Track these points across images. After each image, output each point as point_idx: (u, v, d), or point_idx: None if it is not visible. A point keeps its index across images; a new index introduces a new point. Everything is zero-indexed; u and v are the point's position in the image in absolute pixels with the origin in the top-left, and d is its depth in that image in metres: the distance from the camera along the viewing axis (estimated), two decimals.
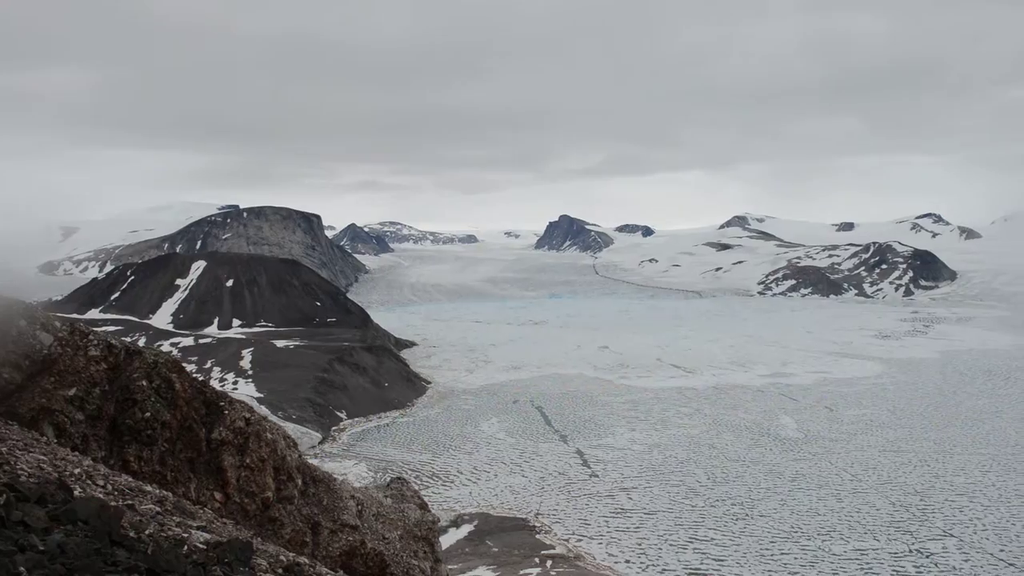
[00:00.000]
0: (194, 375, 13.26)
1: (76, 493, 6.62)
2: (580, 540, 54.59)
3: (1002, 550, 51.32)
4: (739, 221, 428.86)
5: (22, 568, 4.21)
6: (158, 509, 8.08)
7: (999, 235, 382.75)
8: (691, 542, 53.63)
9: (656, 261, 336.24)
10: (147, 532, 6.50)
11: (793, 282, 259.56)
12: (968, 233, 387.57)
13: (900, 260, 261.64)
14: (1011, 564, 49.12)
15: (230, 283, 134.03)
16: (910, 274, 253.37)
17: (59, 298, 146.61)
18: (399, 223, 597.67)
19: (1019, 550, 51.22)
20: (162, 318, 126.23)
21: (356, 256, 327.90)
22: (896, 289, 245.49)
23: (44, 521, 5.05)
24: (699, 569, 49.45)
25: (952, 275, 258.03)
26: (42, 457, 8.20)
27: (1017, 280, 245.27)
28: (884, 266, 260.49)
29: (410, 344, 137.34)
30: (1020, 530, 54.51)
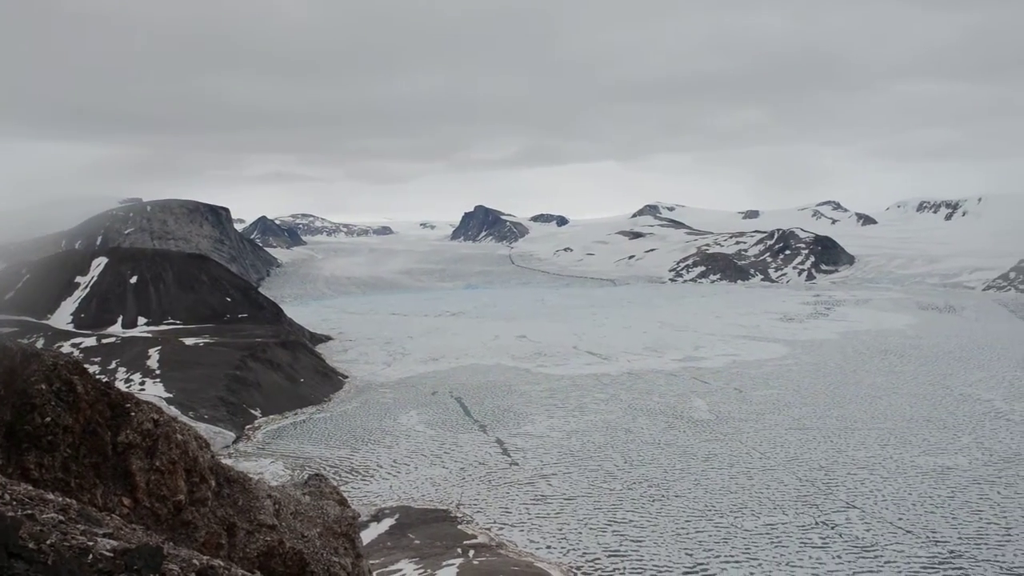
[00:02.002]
0: (98, 376, 12.71)
1: None
2: (502, 528, 54.98)
3: (900, 519, 54.24)
4: (651, 210, 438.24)
5: None
6: (61, 518, 7.72)
7: (893, 221, 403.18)
8: (610, 525, 54.70)
9: (571, 250, 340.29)
10: (48, 542, 6.20)
11: (703, 268, 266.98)
12: (865, 219, 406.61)
13: (802, 246, 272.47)
14: (908, 531, 51.97)
15: (134, 280, 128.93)
16: (812, 259, 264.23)
17: None
18: (311, 215, 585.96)
19: (915, 518, 54.24)
20: (61, 318, 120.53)
21: (267, 250, 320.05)
22: (799, 274, 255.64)
23: None
24: (618, 551, 50.50)
25: (851, 260, 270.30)
26: None
27: (910, 263, 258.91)
28: (788, 252, 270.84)
29: (326, 338, 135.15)
30: (916, 499, 57.71)
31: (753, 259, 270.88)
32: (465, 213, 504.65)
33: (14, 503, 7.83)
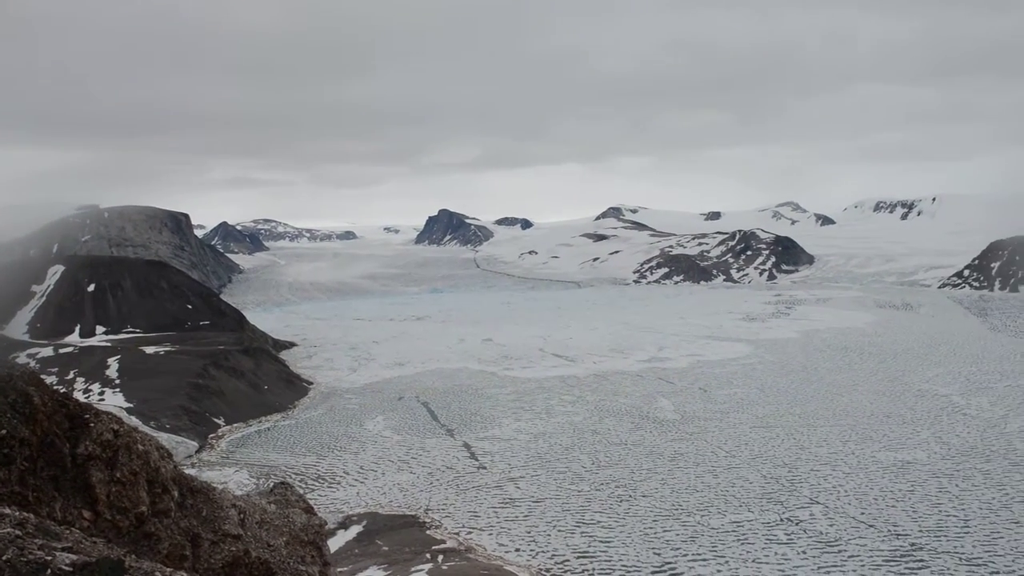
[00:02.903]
0: (55, 387, 12.41)
1: None
2: (470, 533, 54.81)
3: (862, 513, 55.13)
4: (614, 212, 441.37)
5: None
6: (18, 532, 7.51)
7: (851, 221, 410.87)
8: (578, 526, 54.82)
9: (536, 253, 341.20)
10: (4, 557, 6.03)
11: (666, 270, 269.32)
12: (824, 220, 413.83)
13: (763, 246, 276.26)
14: (870, 526, 52.84)
15: (91, 288, 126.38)
16: (773, 259, 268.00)
17: None
18: (273, 220, 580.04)
19: (877, 512, 55.16)
20: (16, 328, 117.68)
21: (229, 256, 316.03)
22: (760, 274, 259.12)
23: None
24: (587, 552, 50.64)
25: (810, 259, 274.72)
26: None
27: (868, 263, 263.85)
28: (749, 252, 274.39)
29: (289, 345, 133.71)
30: (877, 494, 58.69)
31: (715, 260, 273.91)
32: (429, 217, 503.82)
33: None
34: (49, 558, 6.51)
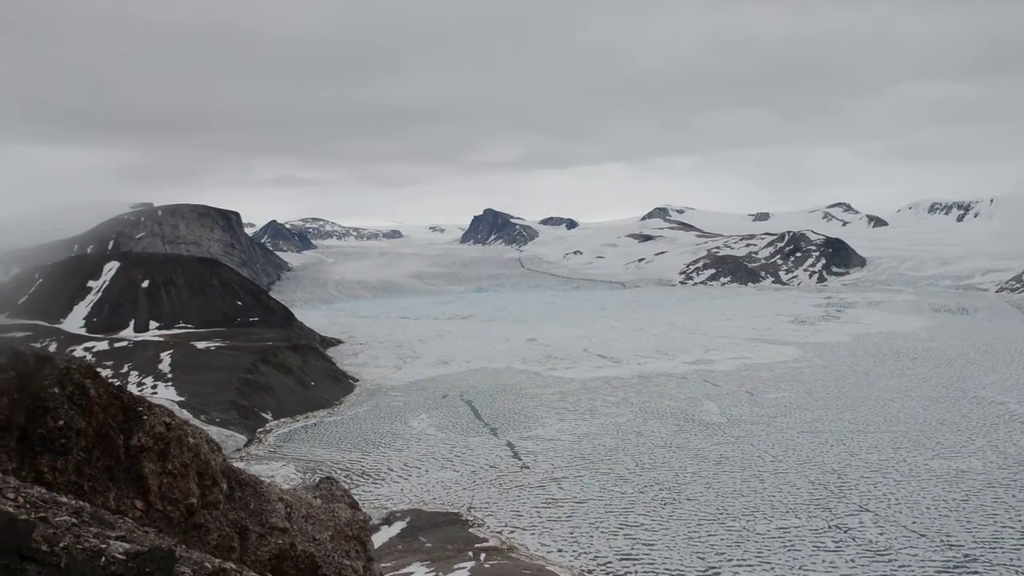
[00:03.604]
0: (110, 380, 12.73)
1: None
2: (513, 532, 54.88)
3: (914, 522, 53.84)
4: (660, 213, 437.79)
5: None
6: (74, 520, 7.72)
7: (905, 223, 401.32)
8: (621, 528, 54.52)
9: (580, 253, 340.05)
10: (61, 545, 6.20)
11: (713, 271, 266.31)
12: (876, 221, 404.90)
13: (813, 248, 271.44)
14: (922, 535, 51.58)
15: (146, 284, 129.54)
16: (823, 261, 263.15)
17: None
18: (321, 219, 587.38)
19: (929, 521, 53.82)
20: (74, 322, 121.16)
21: (278, 254, 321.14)
22: (810, 276, 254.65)
23: None
24: (630, 554, 50.33)
25: (862, 262, 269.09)
26: None
27: (922, 265, 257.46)
28: (798, 254, 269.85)
29: (336, 342, 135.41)
30: (930, 503, 57.27)
31: (764, 261, 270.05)
32: (474, 216, 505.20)
33: (27, 506, 7.84)
34: (104, 546, 6.67)
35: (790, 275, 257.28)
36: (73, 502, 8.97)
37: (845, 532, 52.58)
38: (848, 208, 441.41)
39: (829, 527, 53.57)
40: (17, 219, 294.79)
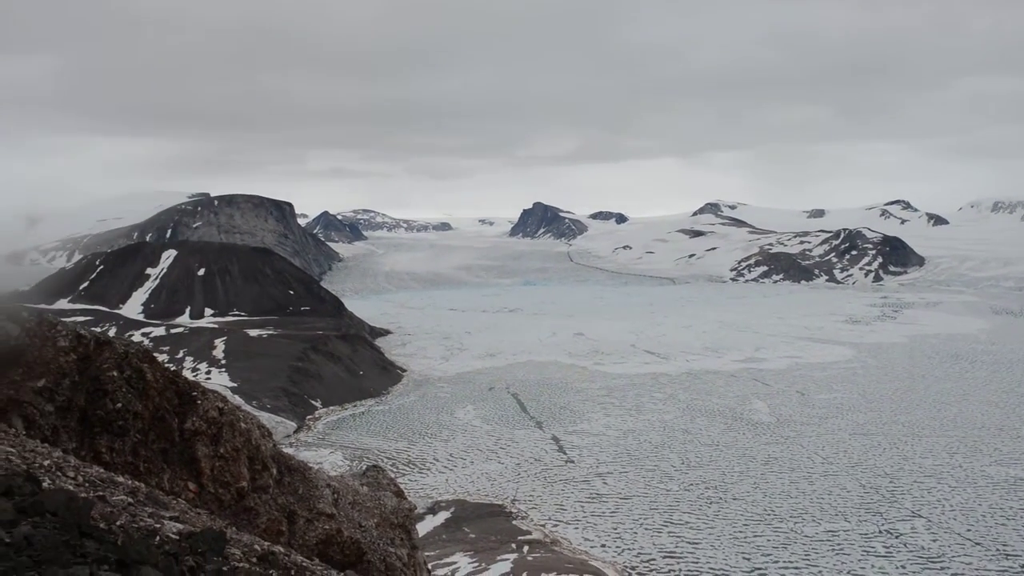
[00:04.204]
0: (166, 365, 13.09)
1: (45, 485, 6.51)
2: (556, 525, 54.93)
3: (969, 530, 52.41)
4: (712, 208, 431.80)
5: None
6: (130, 500, 7.97)
7: (966, 222, 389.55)
8: (666, 526, 54.17)
9: (630, 248, 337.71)
10: (118, 523, 6.41)
11: (765, 268, 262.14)
12: (936, 220, 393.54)
13: (869, 246, 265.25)
14: (977, 544, 50.19)
15: (201, 272, 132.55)
16: (879, 260, 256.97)
17: (26, 288, 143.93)
18: (372, 211, 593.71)
19: (985, 530, 52.33)
20: (132, 308, 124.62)
21: (329, 244, 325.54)
22: (866, 275, 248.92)
23: (11, 513, 4.96)
24: (674, 552, 49.98)
25: (920, 261, 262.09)
26: (10, 449, 8.05)
27: (984, 266, 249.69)
28: (854, 252, 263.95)
29: (385, 332, 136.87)
30: (986, 510, 55.67)
31: (818, 259, 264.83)
32: (524, 210, 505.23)
33: (86, 484, 8.12)
34: (158, 526, 6.88)
35: (845, 273, 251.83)
36: (129, 482, 9.26)
37: (896, 538, 51.43)
38: (907, 206, 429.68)
39: (880, 532, 52.45)
40: (81, 207, 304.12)
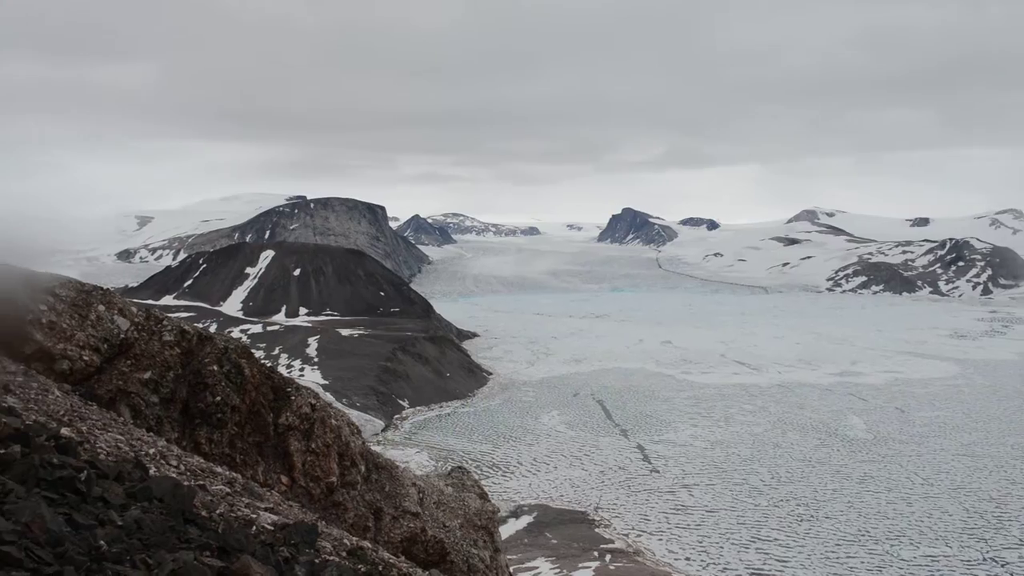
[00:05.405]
0: (262, 361, 13.58)
1: (151, 472, 6.85)
2: (640, 535, 54.25)
3: None
4: (808, 215, 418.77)
5: (102, 541, 4.37)
6: (228, 490, 8.30)
7: None
8: (753, 541, 52.77)
9: (721, 255, 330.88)
10: (218, 512, 6.68)
11: (864, 279, 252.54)
12: None
13: (978, 257, 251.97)
14: None
15: (297, 272, 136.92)
16: (989, 272, 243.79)
17: (135, 285, 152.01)
18: (462, 215, 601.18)
19: None
20: (232, 305, 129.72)
21: (419, 247, 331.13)
22: (973, 287, 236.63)
23: (122, 498, 5.24)
24: (761, 570, 48.64)
25: None
26: (119, 437, 8.49)
27: None
28: (961, 263, 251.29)
29: (472, 335, 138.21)
30: None
31: (921, 270, 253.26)
32: (612, 215, 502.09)
33: (188, 473, 8.50)
34: (254, 516, 7.14)
35: (950, 285, 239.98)
36: (227, 473, 9.65)
37: (1002, 566, 48.63)
38: (1020, 215, 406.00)
39: (984, 559, 49.70)
40: (186, 209, 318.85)
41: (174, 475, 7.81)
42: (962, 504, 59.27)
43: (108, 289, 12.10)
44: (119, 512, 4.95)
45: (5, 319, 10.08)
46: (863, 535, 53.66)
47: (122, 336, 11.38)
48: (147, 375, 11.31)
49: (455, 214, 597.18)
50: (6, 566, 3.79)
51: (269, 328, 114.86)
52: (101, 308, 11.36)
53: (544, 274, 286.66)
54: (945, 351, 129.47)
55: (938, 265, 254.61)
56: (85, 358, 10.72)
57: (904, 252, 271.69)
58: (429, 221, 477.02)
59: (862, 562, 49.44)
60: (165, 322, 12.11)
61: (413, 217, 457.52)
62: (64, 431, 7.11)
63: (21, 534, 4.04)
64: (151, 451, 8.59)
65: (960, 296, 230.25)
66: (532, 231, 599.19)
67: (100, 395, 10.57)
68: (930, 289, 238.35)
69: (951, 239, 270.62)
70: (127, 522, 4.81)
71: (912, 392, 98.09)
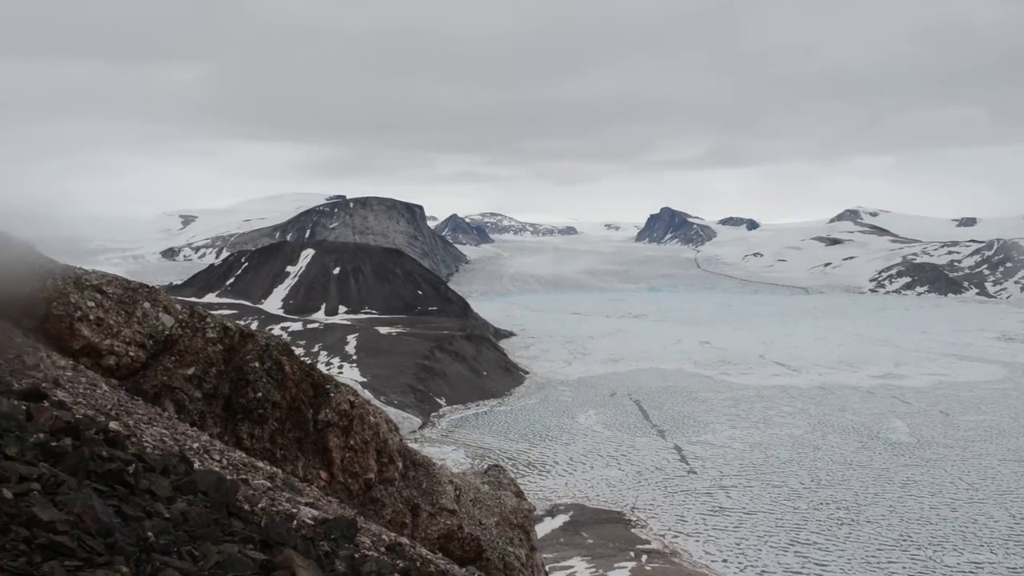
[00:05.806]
0: (302, 358, 13.77)
1: (195, 466, 7.01)
2: (676, 536, 53.90)
3: None
4: (851, 215, 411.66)
5: (150, 533, 4.50)
6: (269, 484, 8.46)
7: None
8: (792, 545, 52.11)
9: (761, 255, 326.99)
10: (260, 506, 6.82)
11: (908, 279, 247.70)
12: None
13: None
14: None
15: (337, 271, 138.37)
16: None
17: (179, 282, 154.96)
18: (499, 214, 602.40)
19: None
20: (273, 303, 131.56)
21: (457, 246, 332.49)
22: (1022, 289, 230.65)
23: (168, 490, 5.38)
24: (800, 573, 48.02)
25: None
26: (164, 431, 8.70)
27: None
28: (1009, 264, 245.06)
29: (509, 334, 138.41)
30: None
31: (967, 271, 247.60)
32: (651, 215, 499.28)
33: (230, 468, 8.68)
34: (295, 511, 7.28)
35: (998, 287, 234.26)
36: (268, 468, 9.83)
37: None
38: None
39: None
40: (229, 208, 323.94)
41: (217, 469, 7.98)
42: (1008, 510, 57.88)
43: (153, 287, 12.38)
44: (166, 505, 5.09)
45: (54, 315, 10.37)
46: (905, 540, 52.69)
47: (167, 333, 11.64)
48: (191, 371, 11.55)
49: (492, 213, 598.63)
50: (59, 555, 3.93)
51: (309, 326, 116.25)
52: (147, 305, 11.63)
53: (581, 273, 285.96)
54: (992, 354, 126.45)
55: (985, 266, 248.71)
56: (131, 354, 10.98)
57: (950, 252, 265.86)
58: (467, 220, 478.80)
59: (904, 567, 48.55)
60: (208, 319, 12.36)
61: (451, 216, 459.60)
62: (112, 425, 7.30)
63: (73, 524, 4.18)
64: (195, 445, 8.78)
65: (1008, 298, 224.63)
66: (569, 230, 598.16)
67: (146, 390, 10.82)
68: (976, 290, 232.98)
69: (998, 239, 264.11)
70: (173, 514, 4.95)
71: (957, 395, 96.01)
